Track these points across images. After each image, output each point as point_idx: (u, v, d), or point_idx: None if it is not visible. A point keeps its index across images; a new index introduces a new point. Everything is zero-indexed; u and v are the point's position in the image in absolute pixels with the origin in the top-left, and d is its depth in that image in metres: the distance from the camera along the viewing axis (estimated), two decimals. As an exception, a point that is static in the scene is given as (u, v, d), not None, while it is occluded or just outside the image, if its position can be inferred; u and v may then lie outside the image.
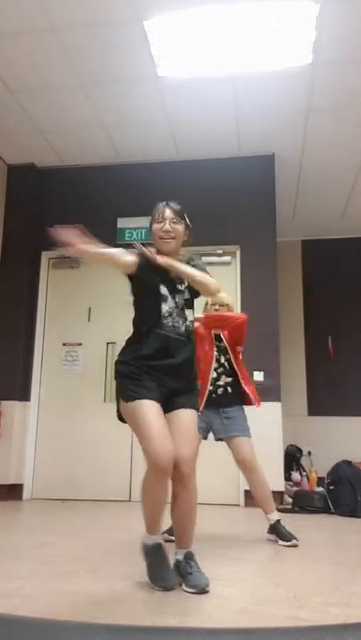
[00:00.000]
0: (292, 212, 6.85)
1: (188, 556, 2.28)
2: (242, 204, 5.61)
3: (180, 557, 2.29)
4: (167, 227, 2.45)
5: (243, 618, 1.86)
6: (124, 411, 2.32)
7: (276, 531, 3.29)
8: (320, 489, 5.04)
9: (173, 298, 2.41)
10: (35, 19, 3.99)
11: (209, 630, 1.74)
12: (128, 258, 2.41)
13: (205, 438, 3.48)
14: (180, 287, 2.45)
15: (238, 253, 5.59)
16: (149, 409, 2.23)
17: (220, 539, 3.41)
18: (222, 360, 3.59)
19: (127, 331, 2.48)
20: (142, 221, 5.67)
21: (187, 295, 2.45)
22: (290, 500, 4.96)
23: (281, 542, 3.21)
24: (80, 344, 5.64)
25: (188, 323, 2.42)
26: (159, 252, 2.47)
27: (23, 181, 5.89)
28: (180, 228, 2.49)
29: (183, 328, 2.39)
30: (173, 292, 2.42)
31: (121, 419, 2.37)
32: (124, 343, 2.47)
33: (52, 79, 4.65)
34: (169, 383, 2.32)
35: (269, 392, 5.13)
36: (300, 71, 4.48)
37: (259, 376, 5.18)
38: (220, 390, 3.53)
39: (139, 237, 5.53)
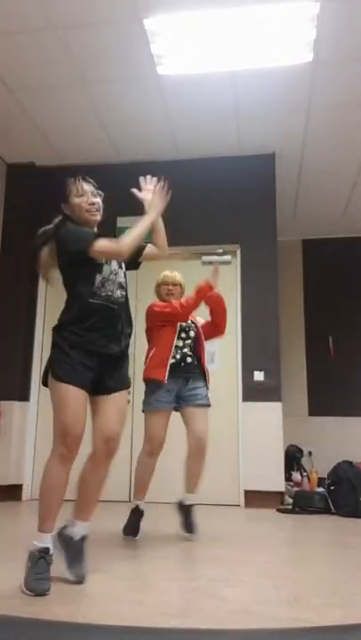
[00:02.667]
0: (293, 211, 6.84)
1: (83, 539, 2.36)
2: (242, 203, 5.60)
3: (75, 537, 2.34)
4: (93, 199, 2.55)
5: (243, 619, 1.85)
6: (50, 383, 2.46)
7: (182, 514, 3.37)
8: (321, 489, 5.02)
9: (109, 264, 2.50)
10: (34, 17, 3.97)
11: (209, 631, 1.73)
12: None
13: (177, 410, 3.50)
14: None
15: (239, 252, 5.57)
16: (73, 396, 2.38)
17: (220, 539, 3.40)
18: (190, 333, 3.57)
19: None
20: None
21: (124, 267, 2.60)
22: (290, 500, 4.94)
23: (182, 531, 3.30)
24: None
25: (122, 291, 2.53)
26: (86, 224, 2.55)
27: (23, 180, 5.88)
28: (100, 200, 2.59)
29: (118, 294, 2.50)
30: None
31: (45, 384, 2.51)
32: None
33: (52, 78, 4.64)
34: (103, 349, 2.41)
35: (270, 392, 5.13)
36: (301, 69, 4.47)
37: (259, 376, 5.17)
38: (188, 359, 3.50)
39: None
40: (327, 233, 7.28)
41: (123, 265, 2.60)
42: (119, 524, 3.44)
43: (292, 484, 5.44)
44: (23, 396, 5.44)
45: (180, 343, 3.51)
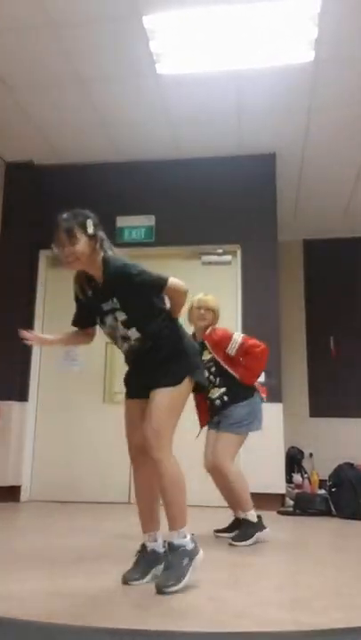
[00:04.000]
0: (294, 211, 6.83)
1: (171, 548, 2.26)
2: (243, 203, 5.59)
3: (161, 549, 2.33)
4: (65, 252, 2.36)
5: (243, 621, 1.83)
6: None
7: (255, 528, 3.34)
8: (322, 491, 5.00)
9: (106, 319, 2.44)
10: (33, 15, 3.95)
11: (209, 634, 1.72)
12: (79, 321, 2.59)
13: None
14: (105, 307, 2.42)
15: (239, 253, 5.55)
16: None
17: (221, 541, 3.37)
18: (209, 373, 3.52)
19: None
20: (142, 220, 5.66)
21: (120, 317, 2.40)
22: (291, 502, 4.91)
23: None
24: (79, 344, 5.60)
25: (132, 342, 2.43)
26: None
27: (21, 179, 5.86)
28: (80, 246, 2.34)
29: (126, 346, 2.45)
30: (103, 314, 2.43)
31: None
32: None
33: (51, 76, 4.62)
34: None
35: (270, 393, 5.09)
36: (302, 69, 4.45)
37: (260, 376, 5.14)
38: (217, 402, 3.52)
39: (138, 236, 5.51)
40: (328, 233, 7.26)
41: (116, 316, 2.43)
42: (119, 524, 3.42)
43: (293, 485, 5.42)
44: (22, 396, 5.42)
45: None
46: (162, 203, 5.64)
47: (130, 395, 2.48)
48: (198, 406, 3.55)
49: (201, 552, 2.28)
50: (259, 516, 3.38)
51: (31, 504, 5.14)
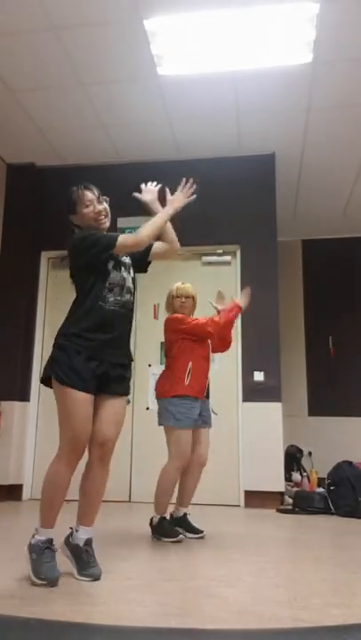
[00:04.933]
0: (293, 212, 6.84)
1: (88, 543, 2.37)
2: (242, 204, 5.61)
3: (80, 543, 2.37)
4: (100, 207, 2.56)
5: (243, 619, 1.85)
6: (57, 388, 2.45)
7: (185, 524, 3.40)
8: (321, 489, 5.02)
9: (119, 271, 2.53)
10: (34, 18, 3.98)
11: (209, 631, 1.73)
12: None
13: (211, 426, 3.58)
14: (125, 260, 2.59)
15: (238, 253, 5.58)
16: (78, 401, 2.37)
17: (220, 539, 3.40)
18: None
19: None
20: (142, 221, 5.65)
21: (132, 273, 2.61)
22: (290, 500, 4.94)
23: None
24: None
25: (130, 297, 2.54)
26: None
27: (23, 181, 5.88)
28: (107, 205, 2.59)
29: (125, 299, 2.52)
30: (117, 265, 2.53)
31: (45, 383, 2.55)
32: None
33: (52, 78, 4.64)
34: (108, 357, 2.41)
35: (270, 392, 5.13)
36: (301, 70, 4.47)
37: (259, 376, 5.18)
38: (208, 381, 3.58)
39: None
40: (327, 233, 7.27)
41: (131, 271, 2.61)
42: (119, 524, 3.44)
43: (292, 484, 5.44)
44: (23, 396, 5.44)
45: None
46: (162, 202, 5.64)
47: (84, 385, 2.37)
48: None
49: None
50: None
51: (32, 503, 5.15)
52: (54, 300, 5.79)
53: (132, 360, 2.60)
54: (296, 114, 5.07)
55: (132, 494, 5.13)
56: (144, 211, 2.78)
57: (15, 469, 5.25)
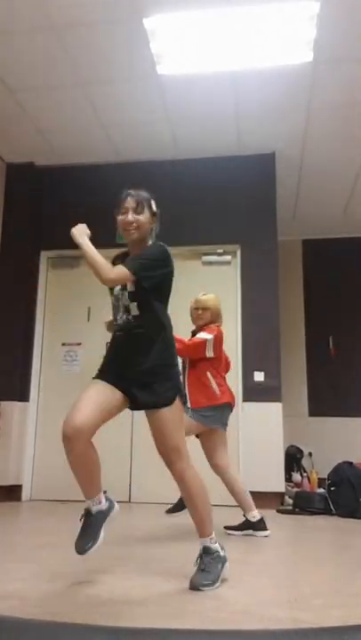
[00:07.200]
0: (293, 211, 6.84)
1: (205, 551, 2.35)
2: (242, 203, 5.60)
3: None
4: (129, 218, 2.42)
5: (243, 619, 1.84)
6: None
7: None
8: (321, 490, 5.02)
9: (111, 293, 2.45)
10: (34, 17, 3.97)
11: (209, 632, 1.72)
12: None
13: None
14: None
15: (239, 253, 5.57)
16: (92, 386, 2.32)
17: (220, 540, 3.38)
18: None
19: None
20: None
21: (129, 288, 2.36)
22: (290, 501, 4.93)
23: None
24: (79, 344, 5.62)
25: (130, 317, 2.35)
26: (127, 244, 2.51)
27: (22, 180, 5.87)
28: (144, 217, 2.43)
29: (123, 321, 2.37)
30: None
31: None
32: None
33: (52, 78, 4.63)
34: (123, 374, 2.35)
35: (270, 392, 5.12)
36: (301, 69, 4.47)
37: (259, 376, 5.17)
38: None
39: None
40: (327, 233, 7.27)
41: (128, 284, 2.37)
42: (119, 522, 3.42)
43: (292, 484, 5.44)
44: (23, 396, 5.43)
45: None
46: (162, 203, 5.64)
47: (108, 378, 2.34)
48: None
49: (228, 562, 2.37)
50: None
51: (32, 503, 5.15)
52: (53, 299, 5.79)
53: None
54: (296, 113, 5.06)
55: (131, 494, 5.12)
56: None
57: (15, 470, 5.24)
